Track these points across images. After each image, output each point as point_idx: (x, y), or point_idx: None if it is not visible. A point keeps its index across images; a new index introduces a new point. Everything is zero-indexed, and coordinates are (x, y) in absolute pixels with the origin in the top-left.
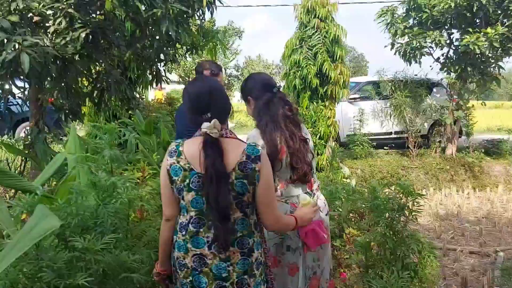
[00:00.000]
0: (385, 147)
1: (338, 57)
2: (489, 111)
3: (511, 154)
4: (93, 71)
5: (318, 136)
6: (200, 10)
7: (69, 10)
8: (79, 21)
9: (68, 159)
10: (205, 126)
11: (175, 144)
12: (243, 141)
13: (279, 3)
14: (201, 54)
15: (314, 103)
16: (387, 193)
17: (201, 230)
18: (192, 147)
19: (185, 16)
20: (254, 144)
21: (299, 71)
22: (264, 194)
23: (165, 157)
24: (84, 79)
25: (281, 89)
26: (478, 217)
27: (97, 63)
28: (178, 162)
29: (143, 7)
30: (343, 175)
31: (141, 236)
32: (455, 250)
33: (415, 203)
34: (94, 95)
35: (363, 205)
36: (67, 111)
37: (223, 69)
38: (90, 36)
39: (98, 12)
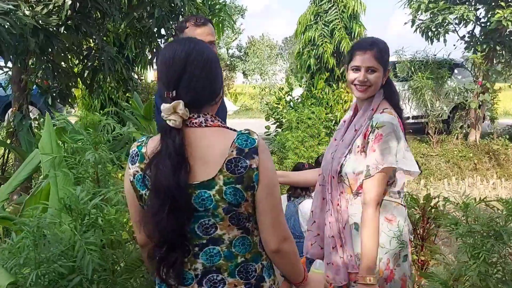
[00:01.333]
0: None
1: (356, 34)
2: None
3: None
4: (84, 47)
5: (334, 122)
6: None
7: None
8: None
9: (42, 161)
10: (162, 108)
11: (136, 145)
12: (231, 129)
13: None
14: None
15: (332, 85)
16: (487, 213)
17: (185, 259)
18: (156, 146)
19: None
20: (247, 131)
21: (314, 50)
22: (267, 202)
23: (127, 164)
24: (73, 56)
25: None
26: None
27: (88, 38)
28: (142, 169)
29: None
30: None
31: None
32: None
33: None
34: (85, 75)
35: (451, 228)
36: (54, 94)
37: (213, 26)
38: (78, 4)
39: None
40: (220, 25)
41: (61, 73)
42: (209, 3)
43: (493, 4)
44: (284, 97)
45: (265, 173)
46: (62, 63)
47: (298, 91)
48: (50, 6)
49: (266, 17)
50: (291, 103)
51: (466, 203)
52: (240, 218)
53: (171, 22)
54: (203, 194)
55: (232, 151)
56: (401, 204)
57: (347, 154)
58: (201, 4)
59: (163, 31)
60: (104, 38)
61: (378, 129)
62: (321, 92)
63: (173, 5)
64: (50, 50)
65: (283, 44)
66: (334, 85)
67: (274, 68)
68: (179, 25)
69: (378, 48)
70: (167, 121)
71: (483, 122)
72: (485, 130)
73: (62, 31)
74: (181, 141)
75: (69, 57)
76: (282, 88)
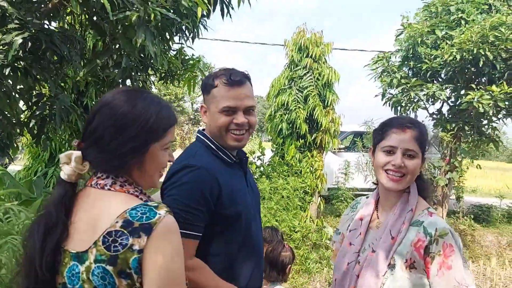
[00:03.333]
0: None
1: (329, 102)
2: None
3: (502, 222)
4: (34, 92)
5: (303, 191)
6: (185, 28)
7: (2, 3)
8: (16, 20)
9: None
10: (60, 156)
11: None
12: (148, 201)
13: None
14: (177, 84)
15: (306, 152)
16: None
17: None
18: None
19: (170, 29)
20: (155, 204)
21: (287, 114)
22: None
23: None
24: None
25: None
26: None
27: (41, 82)
28: None
29: (111, 8)
30: (326, 236)
31: None
32: None
33: None
34: (31, 124)
35: None
36: None
37: (251, 84)
38: (30, 44)
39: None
40: (192, 81)
41: (2, 120)
42: (182, 57)
43: (459, 85)
44: (255, 162)
45: (155, 267)
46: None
47: (266, 154)
48: None
49: None
50: (262, 168)
51: None
52: None
53: (139, 74)
54: (74, 268)
55: (116, 222)
56: None
57: (386, 272)
58: (173, 58)
59: (128, 82)
60: (62, 84)
61: (442, 238)
62: (292, 159)
63: (142, 55)
64: None
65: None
66: (306, 152)
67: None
68: (204, 82)
69: (420, 130)
70: (60, 173)
71: (449, 199)
72: (451, 208)
73: (8, 73)
74: (67, 199)
75: (16, 102)
76: (253, 152)
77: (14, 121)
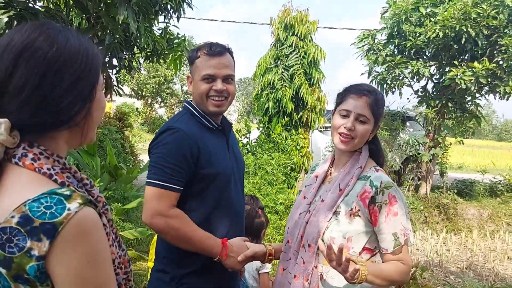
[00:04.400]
0: None
1: (315, 81)
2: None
3: (484, 196)
4: None
5: (289, 168)
6: (169, 7)
7: None
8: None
9: None
10: None
11: None
12: (55, 180)
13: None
14: (163, 63)
15: (290, 130)
16: None
17: None
18: None
19: (152, 7)
20: (68, 192)
21: (273, 93)
22: None
23: None
24: None
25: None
26: (460, 267)
27: None
28: None
29: None
30: None
31: None
32: None
33: None
34: None
35: None
36: None
37: (232, 57)
38: (15, 22)
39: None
40: (178, 61)
41: None
42: (168, 36)
43: (443, 62)
44: (241, 140)
45: (65, 280)
46: None
47: (254, 134)
48: None
49: None
50: (248, 146)
51: None
52: None
53: (124, 52)
54: None
55: (12, 217)
56: None
57: (331, 217)
58: (159, 37)
59: (115, 61)
60: None
61: (388, 190)
62: (278, 137)
63: (128, 34)
64: None
65: (238, 85)
66: (292, 130)
67: (228, 108)
68: (189, 55)
69: (375, 97)
70: None
71: (433, 175)
72: (435, 183)
73: None
74: None
75: None
76: (240, 130)
77: None
